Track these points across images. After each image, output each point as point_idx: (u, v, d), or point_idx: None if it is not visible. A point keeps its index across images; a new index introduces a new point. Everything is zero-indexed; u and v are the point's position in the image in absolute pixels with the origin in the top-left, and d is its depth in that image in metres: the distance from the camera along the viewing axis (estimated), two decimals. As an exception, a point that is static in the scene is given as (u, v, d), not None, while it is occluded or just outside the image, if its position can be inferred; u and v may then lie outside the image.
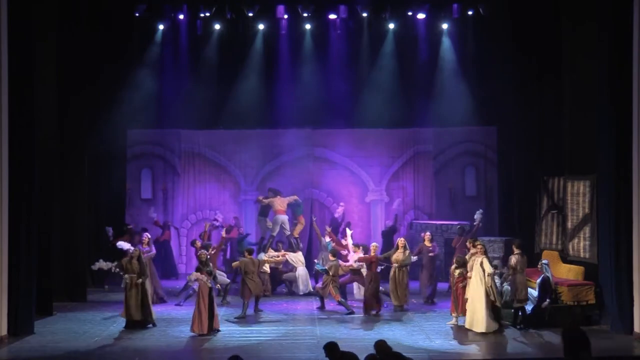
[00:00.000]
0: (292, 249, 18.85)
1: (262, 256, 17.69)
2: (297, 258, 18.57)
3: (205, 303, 14.28)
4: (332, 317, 15.83)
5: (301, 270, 18.43)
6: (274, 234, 19.20)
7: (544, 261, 15.22)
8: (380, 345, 9.41)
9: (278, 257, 17.85)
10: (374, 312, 15.91)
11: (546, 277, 14.86)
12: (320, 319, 15.68)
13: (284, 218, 19.28)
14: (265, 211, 19.49)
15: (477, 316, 14.39)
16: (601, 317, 15.06)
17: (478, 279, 14.45)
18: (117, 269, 15.74)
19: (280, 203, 19.34)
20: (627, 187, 14.18)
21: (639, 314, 14.02)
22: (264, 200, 19.46)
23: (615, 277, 14.45)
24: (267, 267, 17.60)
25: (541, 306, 14.71)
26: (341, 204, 20.68)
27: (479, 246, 14.75)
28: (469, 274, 14.71)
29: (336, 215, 20.28)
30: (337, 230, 19.32)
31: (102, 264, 16.14)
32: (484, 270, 14.36)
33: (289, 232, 19.23)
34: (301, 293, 18.26)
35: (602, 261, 15.08)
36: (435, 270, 17.41)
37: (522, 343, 13.85)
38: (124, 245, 16.29)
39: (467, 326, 14.56)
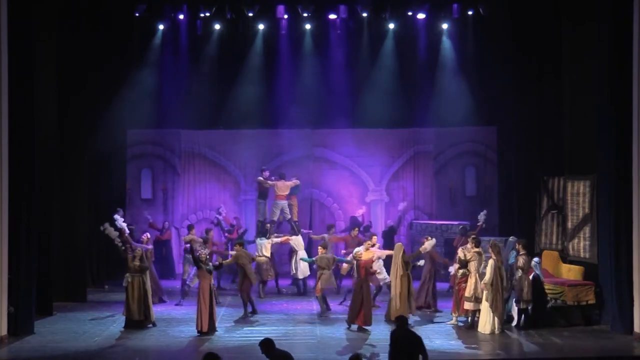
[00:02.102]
0: (294, 232, 18.90)
1: (265, 241, 17.85)
2: (297, 242, 18.54)
3: (206, 301, 14.30)
4: (331, 317, 15.80)
5: (302, 255, 18.23)
6: (275, 218, 19.24)
7: (535, 259, 15.20)
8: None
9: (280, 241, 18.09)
10: (354, 328, 14.70)
11: (536, 275, 14.87)
12: (320, 319, 15.65)
13: (284, 203, 19.28)
14: (264, 194, 19.42)
15: (482, 318, 14.42)
16: (601, 317, 15.06)
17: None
18: (121, 244, 15.79)
19: (282, 188, 19.32)
20: (627, 187, 14.18)
21: (639, 314, 14.02)
22: (269, 182, 19.41)
23: (615, 277, 14.45)
24: (268, 252, 17.84)
25: (546, 307, 14.75)
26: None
27: (491, 247, 14.72)
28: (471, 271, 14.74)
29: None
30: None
31: (111, 231, 16.07)
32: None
33: (289, 217, 19.29)
34: (300, 277, 18.17)
35: (602, 261, 15.09)
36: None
37: (523, 343, 13.87)
38: (119, 219, 16.33)
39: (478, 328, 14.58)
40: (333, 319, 15.56)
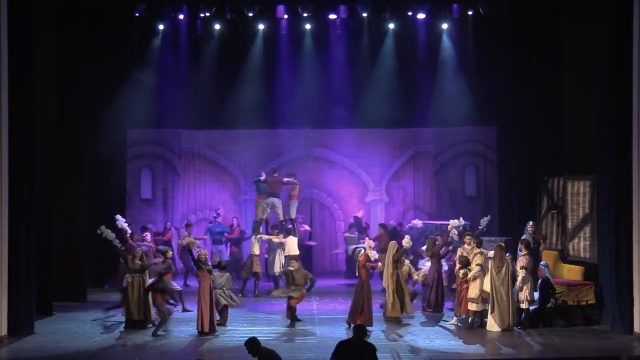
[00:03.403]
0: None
1: (294, 239, 18.18)
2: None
3: (207, 301, 14.30)
4: (332, 317, 15.82)
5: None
6: (293, 216, 19.35)
7: (542, 262, 15.23)
8: None
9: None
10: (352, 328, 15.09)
11: (546, 278, 14.88)
12: (320, 319, 15.65)
13: (296, 203, 19.44)
14: (275, 193, 19.38)
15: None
16: (601, 317, 15.06)
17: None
18: (120, 245, 15.78)
19: (297, 188, 19.50)
20: (627, 187, 14.18)
21: (639, 314, 14.03)
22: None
23: (615, 277, 14.45)
24: (296, 249, 18.02)
25: (547, 307, 14.75)
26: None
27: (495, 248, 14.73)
28: (473, 271, 14.73)
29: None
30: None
31: (108, 233, 16.02)
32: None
33: (293, 217, 19.48)
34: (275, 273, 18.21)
35: (602, 261, 15.09)
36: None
37: (523, 343, 13.87)
38: (121, 220, 16.36)
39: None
40: (333, 319, 15.55)
